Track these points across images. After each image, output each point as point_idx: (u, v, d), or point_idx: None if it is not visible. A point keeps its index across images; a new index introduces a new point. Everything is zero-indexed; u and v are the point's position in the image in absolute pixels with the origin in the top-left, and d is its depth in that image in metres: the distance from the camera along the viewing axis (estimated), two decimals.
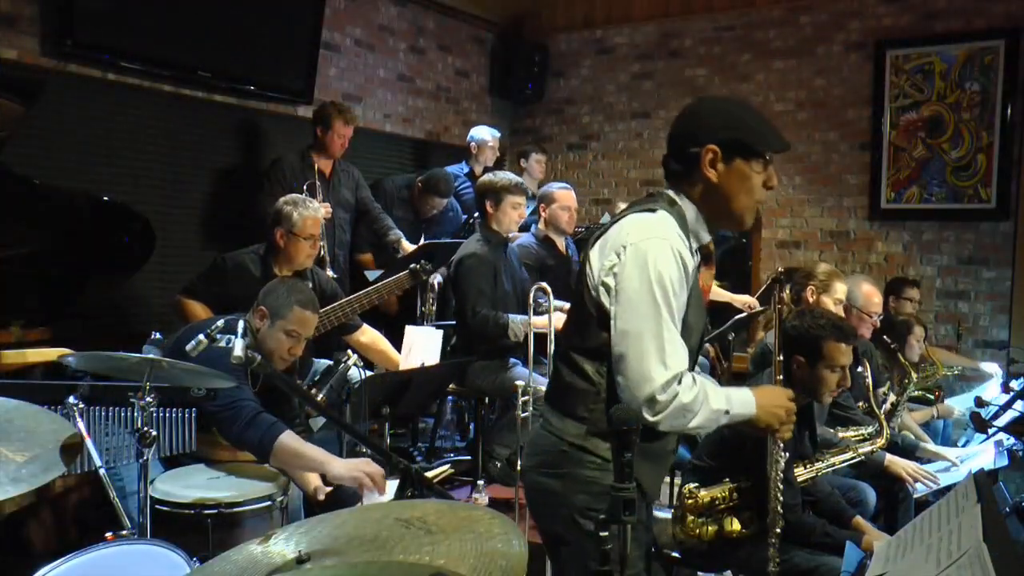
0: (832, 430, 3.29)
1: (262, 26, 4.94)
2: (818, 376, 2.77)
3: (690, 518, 2.70)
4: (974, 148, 5.55)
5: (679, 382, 1.73)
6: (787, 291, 3.64)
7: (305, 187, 4.44)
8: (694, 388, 1.74)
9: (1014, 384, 4.17)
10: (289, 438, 2.59)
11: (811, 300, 3.48)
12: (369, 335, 3.80)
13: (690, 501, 2.70)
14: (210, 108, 4.91)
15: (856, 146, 5.95)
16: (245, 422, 2.59)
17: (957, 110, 5.59)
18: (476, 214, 4.56)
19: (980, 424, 3.31)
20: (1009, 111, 5.42)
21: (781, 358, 2.50)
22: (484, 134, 5.85)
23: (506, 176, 4.26)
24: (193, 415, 2.68)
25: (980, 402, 3.80)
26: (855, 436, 3.26)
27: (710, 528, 2.70)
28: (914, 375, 3.69)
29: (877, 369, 3.80)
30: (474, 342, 4.17)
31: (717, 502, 2.72)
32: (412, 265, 3.81)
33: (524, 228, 5.47)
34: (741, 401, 1.85)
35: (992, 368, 5.04)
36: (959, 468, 3.45)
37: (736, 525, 2.72)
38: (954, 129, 5.61)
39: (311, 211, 3.56)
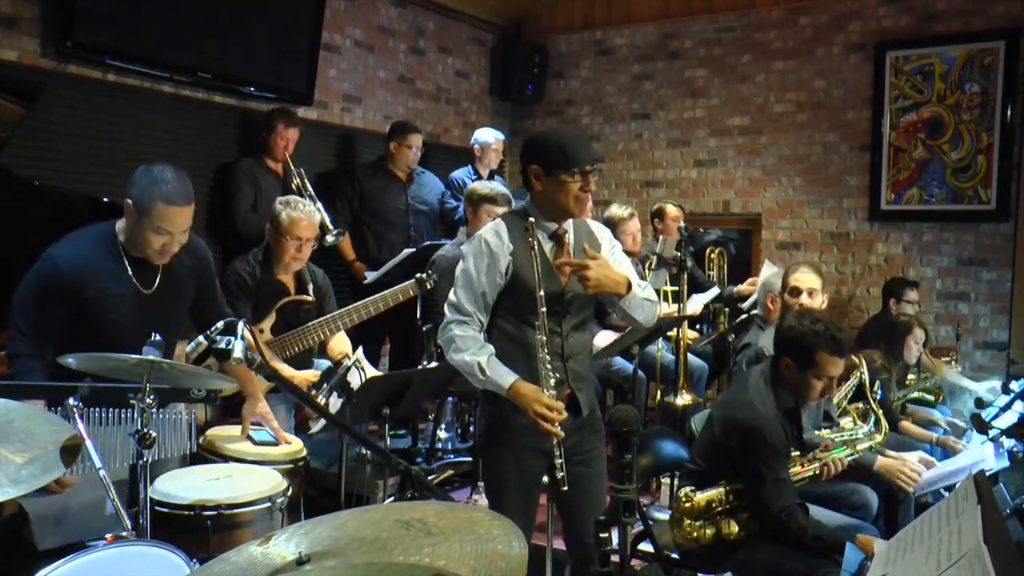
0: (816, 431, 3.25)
1: (262, 27, 4.94)
2: (805, 381, 2.76)
3: (687, 521, 2.69)
4: (974, 149, 5.55)
5: (463, 325, 2.53)
6: (777, 293, 3.64)
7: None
8: (467, 336, 2.51)
9: (1014, 385, 4.16)
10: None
11: (780, 308, 3.47)
12: (336, 338, 3.79)
13: (686, 505, 2.69)
14: (210, 109, 4.91)
15: (856, 147, 5.96)
16: (10, 352, 2.61)
17: (957, 111, 5.59)
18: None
19: (980, 425, 3.31)
20: (1009, 112, 5.42)
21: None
22: (486, 136, 5.84)
23: (488, 186, 4.41)
24: (193, 417, 2.68)
25: (980, 403, 3.80)
26: (839, 436, 3.22)
27: (708, 531, 2.70)
28: (863, 366, 3.61)
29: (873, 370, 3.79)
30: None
31: (713, 504, 2.71)
32: (418, 274, 3.84)
33: None
34: (500, 375, 2.48)
35: (993, 389, 5.02)
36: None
37: (734, 527, 2.71)
38: (954, 130, 5.61)
39: (299, 212, 3.56)
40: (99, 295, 2.63)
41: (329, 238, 4.75)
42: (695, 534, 2.69)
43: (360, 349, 3.59)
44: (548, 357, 2.44)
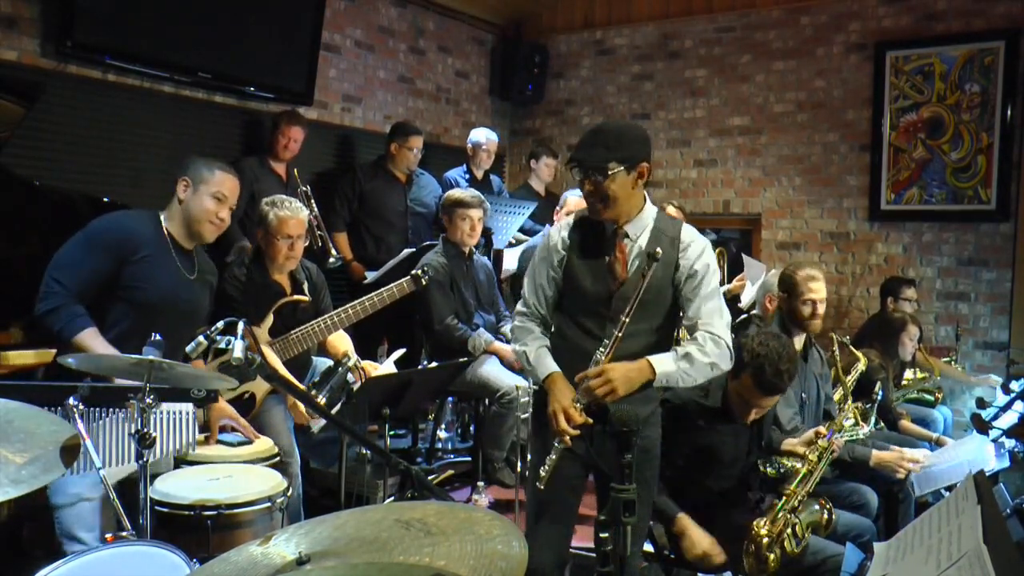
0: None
1: (262, 27, 4.94)
2: (732, 389, 2.77)
3: (771, 557, 2.61)
4: (974, 149, 5.55)
5: (523, 316, 2.59)
6: (770, 302, 3.59)
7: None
8: (523, 327, 2.57)
9: (1014, 385, 4.16)
10: (88, 337, 2.64)
11: (784, 308, 3.37)
12: (335, 334, 3.76)
13: (764, 539, 2.60)
14: (210, 109, 4.91)
15: (856, 147, 5.95)
16: (49, 307, 2.65)
17: (957, 111, 5.59)
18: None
19: (980, 425, 3.31)
20: (1009, 112, 5.42)
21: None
22: (479, 136, 5.84)
23: (460, 191, 4.52)
24: (192, 416, 2.68)
25: (980, 403, 3.80)
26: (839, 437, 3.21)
27: (777, 556, 2.64)
28: (862, 363, 3.55)
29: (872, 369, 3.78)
30: (442, 349, 4.31)
31: (780, 525, 2.65)
32: (413, 271, 3.84)
33: (532, 232, 5.56)
34: (542, 366, 2.49)
35: (992, 380, 5.04)
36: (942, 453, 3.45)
37: (791, 545, 2.66)
38: (954, 130, 5.61)
39: (286, 211, 3.50)
40: (147, 257, 2.77)
41: (331, 260, 4.80)
42: (773, 564, 2.61)
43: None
44: (598, 356, 2.36)
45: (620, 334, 2.33)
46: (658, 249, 2.35)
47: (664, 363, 2.37)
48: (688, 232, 2.51)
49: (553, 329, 2.59)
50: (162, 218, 2.89)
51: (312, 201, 4.85)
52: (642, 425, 2.32)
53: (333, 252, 4.85)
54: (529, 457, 2.77)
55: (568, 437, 2.33)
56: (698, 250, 2.46)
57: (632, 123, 2.62)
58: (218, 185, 2.86)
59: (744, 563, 2.64)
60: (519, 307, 2.63)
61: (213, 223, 2.87)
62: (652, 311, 2.44)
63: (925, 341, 5.09)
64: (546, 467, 2.36)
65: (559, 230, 2.58)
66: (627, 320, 2.32)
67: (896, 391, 4.52)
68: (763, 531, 2.61)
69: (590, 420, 2.36)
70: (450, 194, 4.47)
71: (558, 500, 2.51)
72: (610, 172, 2.38)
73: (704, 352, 2.38)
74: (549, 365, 2.48)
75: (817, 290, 3.32)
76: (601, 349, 2.36)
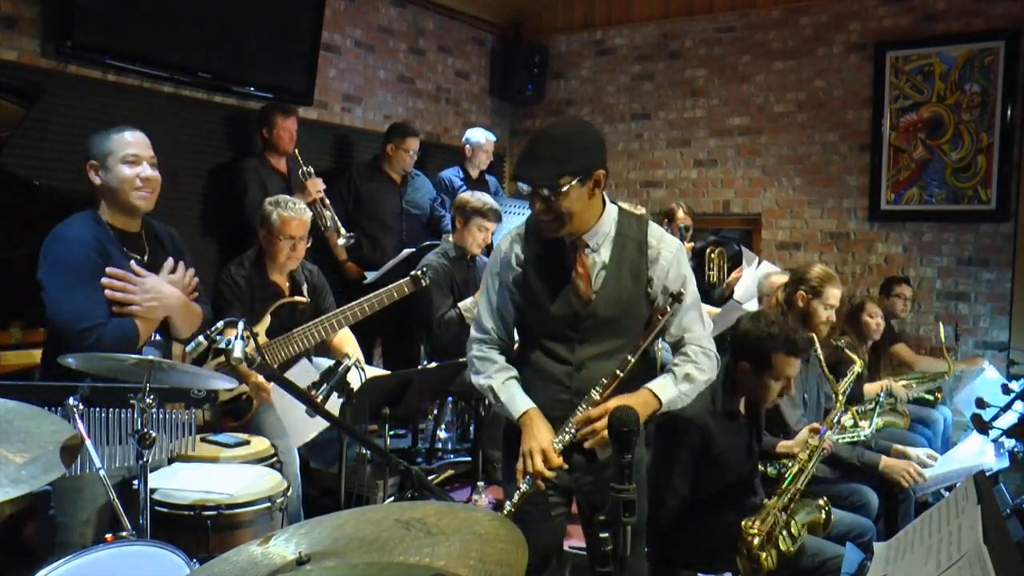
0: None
1: (262, 27, 4.94)
2: (763, 384, 2.73)
3: (763, 556, 2.59)
4: (974, 149, 5.55)
5: (481, 343, 2.32)
6: (780, 292, 3.60)
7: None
8: (484, 357, 2.31)
9: (1014, 385, 4.16)
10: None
11: (800, 305, 3.39)
12: (341, 335, 3.76)
13: (754, 540, 2.58)
14: (210, 109, 4.91)
15: (856, 147, 5.96)
16: (109, 340, 2.43)
17: (957, 111, 5.59)
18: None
19: (981, 425, 3.31)
20: (1009, 112, 5.42)
21: None
22: (478, 136, 5.83)
23: (482, 199, 4.32)
24: (192, 416, 2.67)
25: (980, 403, 3.79)
26: (839, 437, 3.22)
27: (772, 555, 2.62)
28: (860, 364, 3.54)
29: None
30: (442, 349, 4.27)
31: (772, 525, 2.64)
32: (413, 272, 3.84)
33: None
34: (513, 403, 2.24)
35: (979, 360, 5.06)
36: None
37: (788, 542, 2.65)
38: (954, 130, 5.61)
39: (290, 212, 3.49)
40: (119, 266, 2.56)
41: (341, 241, 4.76)
42: (767, 563, 2.59)
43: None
44: (594, 395, 2.16)
45: (623, 374, 2.15)
46: (682, 290, 2.18)
47: (667, 390, 2.21)
48: (655, 235, 2.26)
49: (522, 354, 2.34)
50: (98, 214, 2.63)
51: (317, 180, 4.76)
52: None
53: (343, 231, 4.76)
54: (502, 482, 2.54)
55: (540, 480, 2.13)
56: (669, 260, 2.24)
57: (581, 125, 2.33)
58: (124, 148, 2.57)
59: (739, 565, 2.62)
60: (475, 332, 2.35)
61: (140, 189, 2.57)
62: (625, 327, 2.24)
63: (925, 341, 5.11)
64: (510, 505, 2.14)
65: (511, 243, 2.30)
66: (633, 359, 2.15)
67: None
68: (753, 531, 2.59)
69: (565, 465, 2.16)
70: (469, 200, 4.29)
71: (540, 531, 2.25)
72: (563, 188, 2.09)
73: (701, 369, 2.25)
74: (521, 402, 2.22)
75: (837, 296, 3.42)
76: (598, 388, 2.16)
